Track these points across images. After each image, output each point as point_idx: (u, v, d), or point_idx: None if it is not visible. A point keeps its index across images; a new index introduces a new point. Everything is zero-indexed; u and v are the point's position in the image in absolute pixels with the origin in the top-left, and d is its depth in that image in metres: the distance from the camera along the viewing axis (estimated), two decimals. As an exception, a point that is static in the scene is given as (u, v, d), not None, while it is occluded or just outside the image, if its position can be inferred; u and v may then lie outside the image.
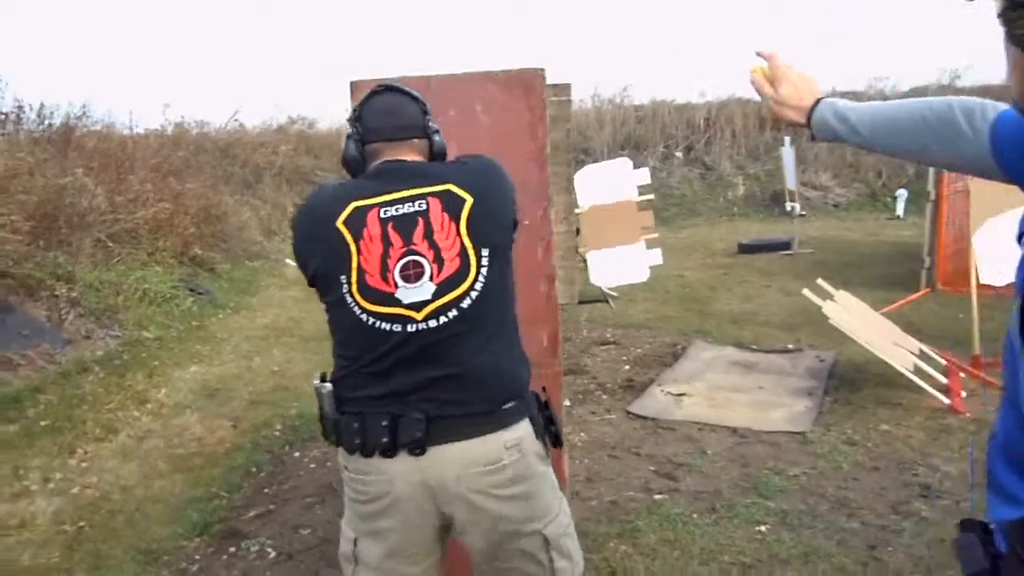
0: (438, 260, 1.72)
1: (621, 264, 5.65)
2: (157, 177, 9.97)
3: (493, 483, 1.74)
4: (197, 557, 3.43)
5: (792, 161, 10.92)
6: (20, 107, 9.89)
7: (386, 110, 1.86)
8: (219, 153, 14.53)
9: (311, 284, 1.85)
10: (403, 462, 1.73)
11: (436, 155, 1.89)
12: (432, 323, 1.71)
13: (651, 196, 5.98)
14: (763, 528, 3.38)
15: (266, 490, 4.08)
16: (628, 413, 4.86)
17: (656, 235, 5.85)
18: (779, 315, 7.23)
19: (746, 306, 7.69)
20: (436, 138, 1.88)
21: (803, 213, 10.91)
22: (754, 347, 6.18)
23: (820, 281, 5.39)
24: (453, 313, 1.72)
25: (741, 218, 14.67)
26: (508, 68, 2.57)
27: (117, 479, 4.19)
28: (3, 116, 9.72)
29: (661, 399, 5.05)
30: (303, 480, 4.18)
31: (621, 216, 5.75)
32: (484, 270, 1.75)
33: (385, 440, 1.72)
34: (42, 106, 10.16)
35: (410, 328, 1.71)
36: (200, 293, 8.53)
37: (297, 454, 4.53)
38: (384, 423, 1.71)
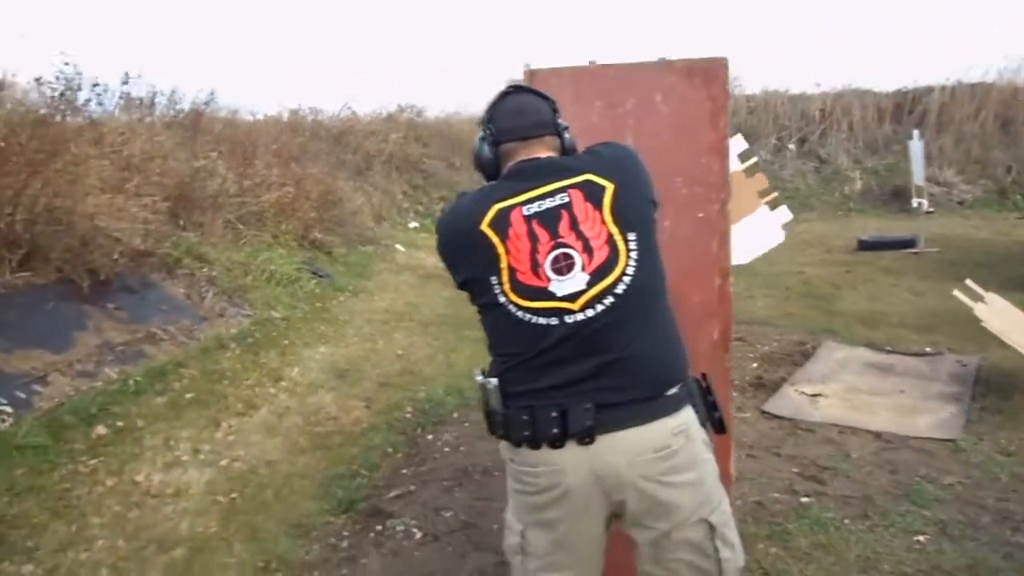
0: (587, 250, 1.73)
1: (752, 234, 5.46)
2: (279, 162, 10.28)
3: (663, 470, 1.73)
4: (345, 534, 3.52)
5: (920, 155, 10.44)
6: (154, 92, 10.36)
7: (517, 110, 1.90)
8: (332, 140, 14.90)
9: (461, 288, 1.89)
10: (572, 452, 1.73)
11: (567, 152, 1.91)
12: (589, 312, 1.73)
13: (754, 159, 5.75)
14: (921, 538, 3.25)
15: (404, 471, 4.16)
16: (762, 412, 4.75)
17: (775, 194, 5.62)
18: (911, 316, 6.93)
19: (874, 306, 7.40)
20: (566, 135, 1.91)
21: (931, 210, 10.43)
22: (888, 349, 5.95)
23: (969, 282, 5.14)
24: (609, 300, 1.73)
25: (858, 214, 14.13)
26: (689, 57, 2.52)
27: (262, 453, 4.34)
28: (139, 101, 10.19)
29: (796, 399, 4.91)
30: (439, 463, 4.24)
31: (733, 189, 5.56)
32: (633, 254, 1.75)
33: (555, 431, 1.73)
34: (173, 91, 10.62)
35: (568, 320, 1.73)
36: (321, 276, 8.75)
37: (430, 437, 4.60)
38: (554, 414, 1.72)
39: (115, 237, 6.04)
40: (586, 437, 1.72)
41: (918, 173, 10.46)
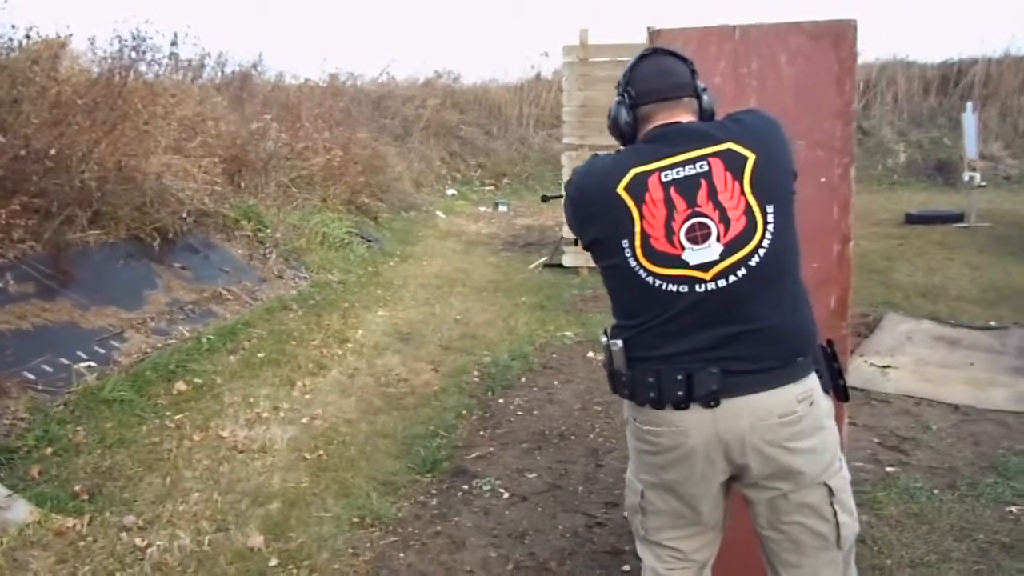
0: (724, 220, 1.72)
1: None
2: (326, 126, 10.28)
3: (787, 435, 1.73)
4: (433, 492, 3.56)
5: (974, 128, 10.25)
6: (203, 55, 10.37)
7: (658, 71, 1.87)
8: (371, 105, 14.87)
9: (586, 248, 1.89)
10: (696, 413, 1.74)
11: (705, 114, 1.88)
12: (721, 283, 1.71)
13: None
14: (1014, 509, 3.24)
15: (481, 433, 4.19)
16: (834, 382, 4.73)
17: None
18: (971, 290, 6.86)
19: (932, 279, 7.33)
20: (705, 97, 1.88)
21: (983, 184, 10.26)
22: (953, 322, 5.90)
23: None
24: (742, 272, 1.71)
25: (902, 187, 13.95)
26: (816, 19, 2.49)
27: (340, 412, 4.39)
28: (187, 63, 10.20)
29: (865, 370, 4.89)
30: (514, 426, 4.27)
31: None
32: (770, 227, 1.73)
33: (680, 394, 1.73)
34: (221, 54, 10.64)
35: (699, 288, 1.72)
36: (370, 240, 8.80)
37: (501, 400, 4.63)
38: (679, 377, 1.73)
39: (179, 197, 6.09)
40: (711, 400, 1.72)
41: (971, 146, 10.28)
